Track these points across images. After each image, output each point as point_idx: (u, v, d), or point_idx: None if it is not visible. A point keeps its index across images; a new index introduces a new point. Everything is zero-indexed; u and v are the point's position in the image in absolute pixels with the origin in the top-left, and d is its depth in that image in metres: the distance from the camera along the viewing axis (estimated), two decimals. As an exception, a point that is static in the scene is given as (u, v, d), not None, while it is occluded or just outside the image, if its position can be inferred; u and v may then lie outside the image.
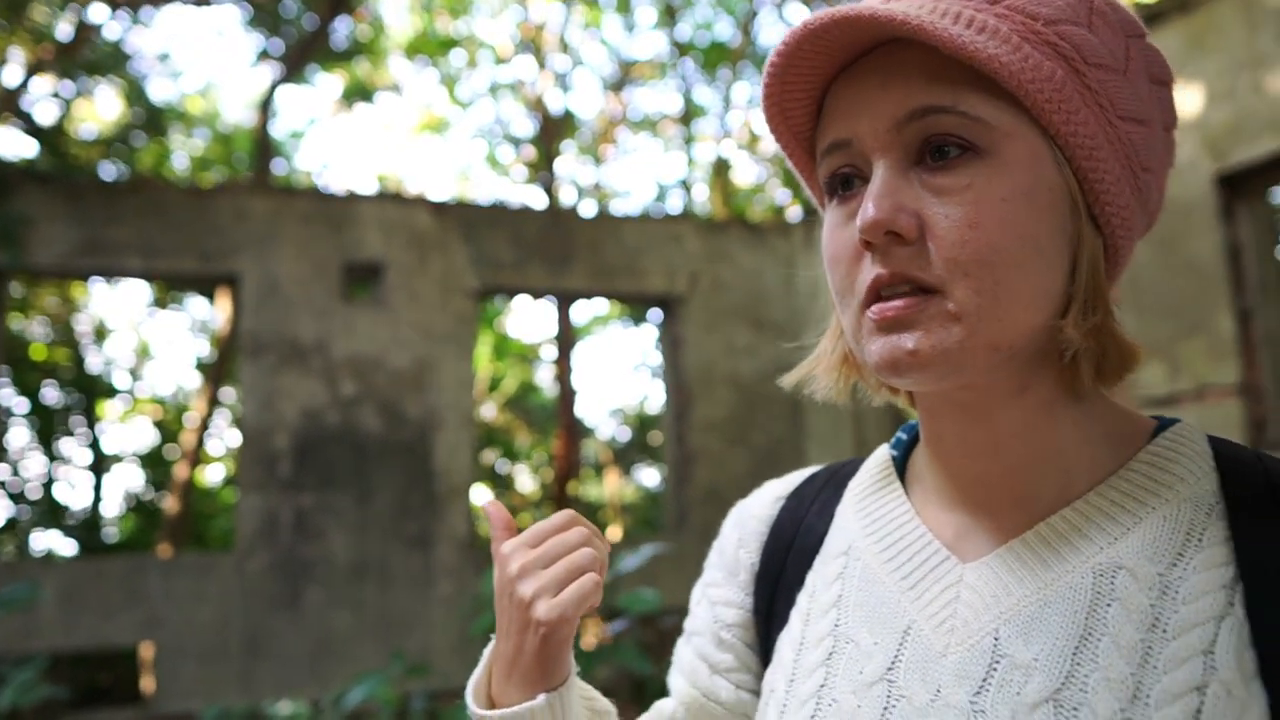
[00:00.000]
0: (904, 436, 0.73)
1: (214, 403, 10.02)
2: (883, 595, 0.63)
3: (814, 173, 0.64)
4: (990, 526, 0.61)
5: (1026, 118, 0.56)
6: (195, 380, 13.00)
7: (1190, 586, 0.54)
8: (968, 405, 0.60)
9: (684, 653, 0.77)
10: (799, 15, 12.57)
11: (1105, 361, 0.60)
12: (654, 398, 15.59)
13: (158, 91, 12.06)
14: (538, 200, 13.14)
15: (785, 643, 0.68)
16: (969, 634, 0.58)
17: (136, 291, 13.84)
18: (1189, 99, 4.95)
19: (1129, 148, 0.59)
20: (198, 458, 10.06)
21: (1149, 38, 0.61)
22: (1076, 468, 0.60)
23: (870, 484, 0.71)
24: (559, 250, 7.80)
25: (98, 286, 12.33)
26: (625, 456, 15.74)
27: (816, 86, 0.60)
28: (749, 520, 0.77)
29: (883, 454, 0.73)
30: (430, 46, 13.74)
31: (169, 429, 12.97)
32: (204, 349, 13.19)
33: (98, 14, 8.51)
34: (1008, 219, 0.54)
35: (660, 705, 0.77)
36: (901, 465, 0.71)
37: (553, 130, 13.18)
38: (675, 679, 0.77)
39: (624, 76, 14.30)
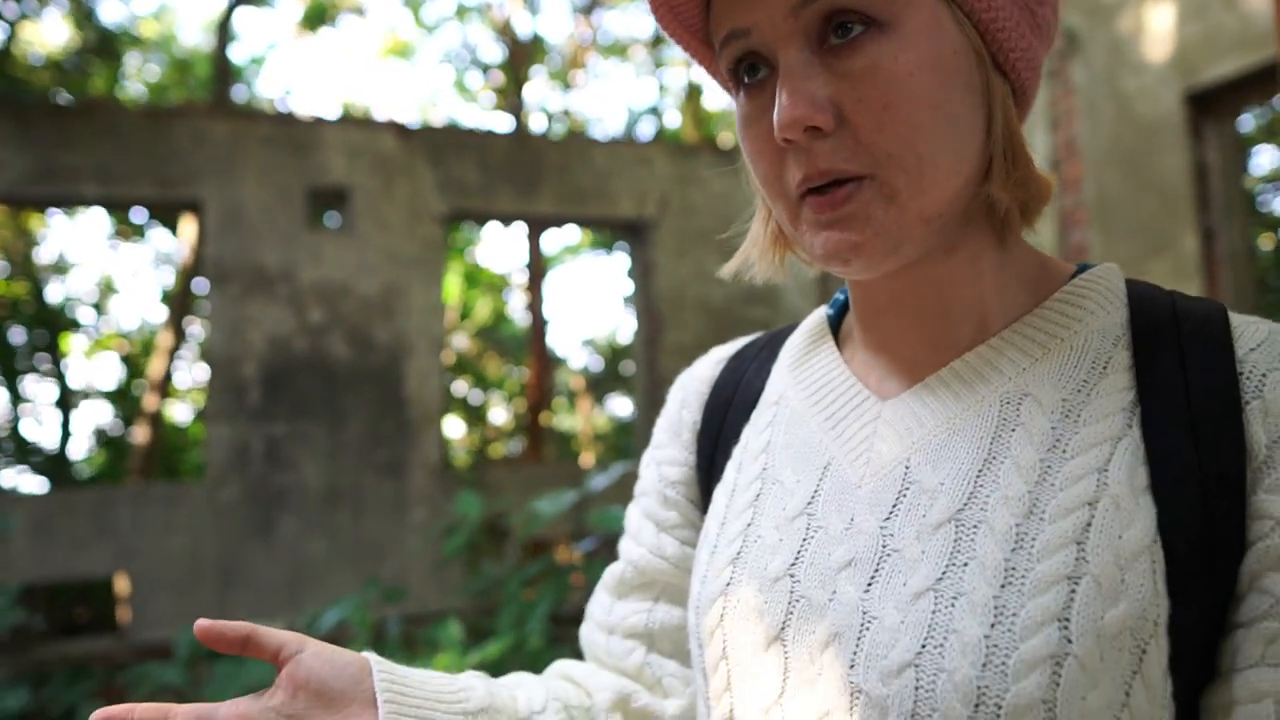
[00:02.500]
0: (841, 297, 0.75)
1: (180, 334, 9.90)
2: (806, 436, 0.66)
3: (715, 62, 0.63)
4: (910, 368, 0.64)
5: None
6: (161, 313, 12.82)
7: (1091, 410, 0.57)
8: (899, 269, 0.61)
9: (632, 514, 0.79)
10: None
11: (1028, 205, 0.61)
12: (626, 328, 15.57)
13: (109, 14, 11.64)
14: (505, 124, 12.92)
15: (720, 491, 0.71)
16: (882, 465, 0.61)
17: (97, 223, 13.54)
18: (1159, 17, 4.92)
19: None
20: (166, 390, 9.97)
21: None
22: (993, 311, 0.63)
23: (804, 340, 0.73)
24: (527, 175, 7.69)
25: (56, 218, 12.05)
26: (598, 386, 15.78)
27: None
28: (691, 382, 0.80)
29: (819, 313, 0.75)
30: (393, -33, 13.33)
31: (136, 363, 12.83)
32: (168, 280, 12.98)
33: (41, -71, 8.15)
34: (918, 93, 0.54)
35: (611, 569, 0.79)
36: (837, 324, 0.74)
37: (521, 55, 12.90)
38: (625, 542, 0.79)
39: (593, 0, 13.97)
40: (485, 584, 5.25)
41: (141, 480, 8.92)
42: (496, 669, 2.83)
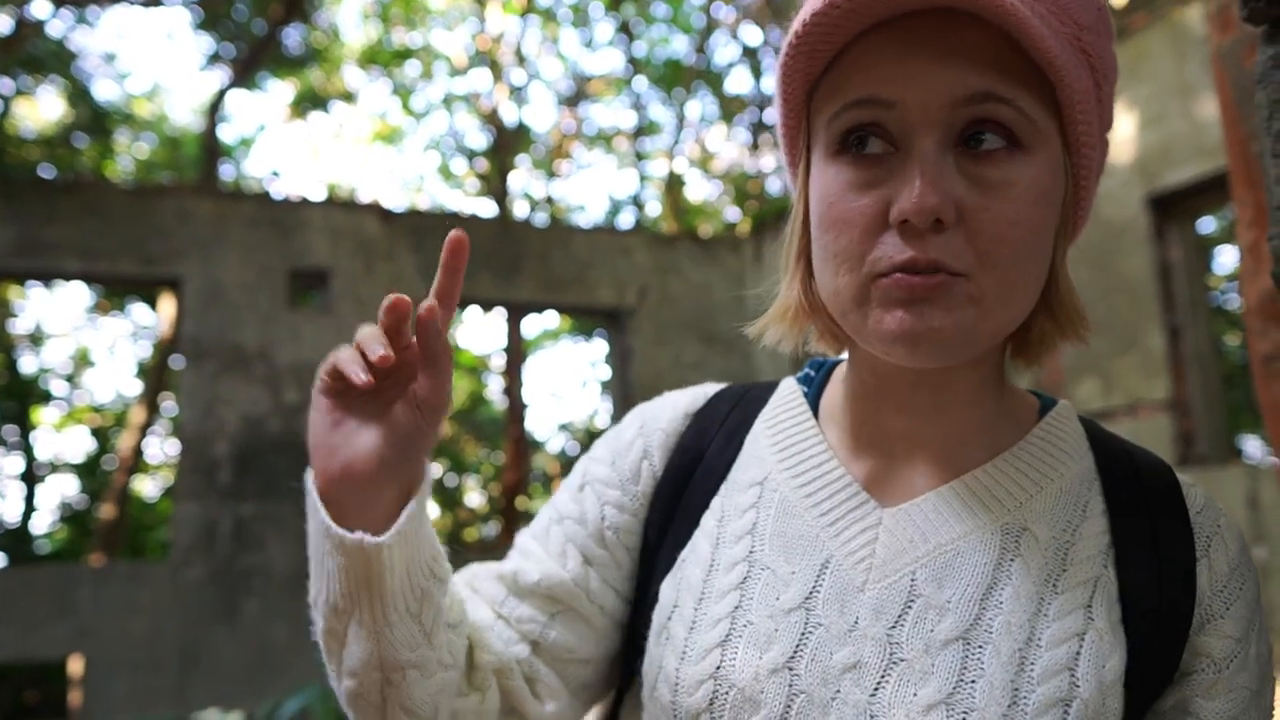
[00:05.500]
0: (813, 374, 0.76)
1: (154, 410, 9.80)
2: (800, 529, 0.67)
3: (802, 122, 0.64)
4: (910, 477, 0.67)
5: (1057, 123, 0.59)
6: (135, 387, 12.71)
7: (1078, 551, 0.63)
8: (927, 373, 0.64)
9: (554, 532, 0.76)
10: (752, 36, 12.74)
11: (1063, 332, 0.66)
12: (603, 412, 15.57)
13: (103, 92, 11.83)
14: (488, 211, 13.10)
15: (692, 563, 0.70)
16: (887, 572, 0.63)
17: (75, 295, 13.51)
18: (1122, 124, 5.11)
19: (1103, 158, 0.64)
20: (135, 466, 9.82)
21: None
22: (988, 434, 0.67)
23: (784, 417, 0.73)
24: (508, 261, 7.79)
25: (35, 290, 12.02)
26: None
27: (847, 36, 0.58)
28: (655, 433, 0.77)
29: (792, 387, 0.75)
30: (385, 56, 13.67)
31: (106, 438, 12.66)
32: (145, 354, 12.90)
33: (40, 10, 8.35)
34: (1037, 219, 0.58)
35: (516, 568, 0.75)
36: (813, 402, 0.74)
37: (507, 143, 13.18)
38: (535, 550, 0.76)
39: (579, 91, 14.35)
40: (452, 672, 5.11)
41: (104, 558, 8.72)
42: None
